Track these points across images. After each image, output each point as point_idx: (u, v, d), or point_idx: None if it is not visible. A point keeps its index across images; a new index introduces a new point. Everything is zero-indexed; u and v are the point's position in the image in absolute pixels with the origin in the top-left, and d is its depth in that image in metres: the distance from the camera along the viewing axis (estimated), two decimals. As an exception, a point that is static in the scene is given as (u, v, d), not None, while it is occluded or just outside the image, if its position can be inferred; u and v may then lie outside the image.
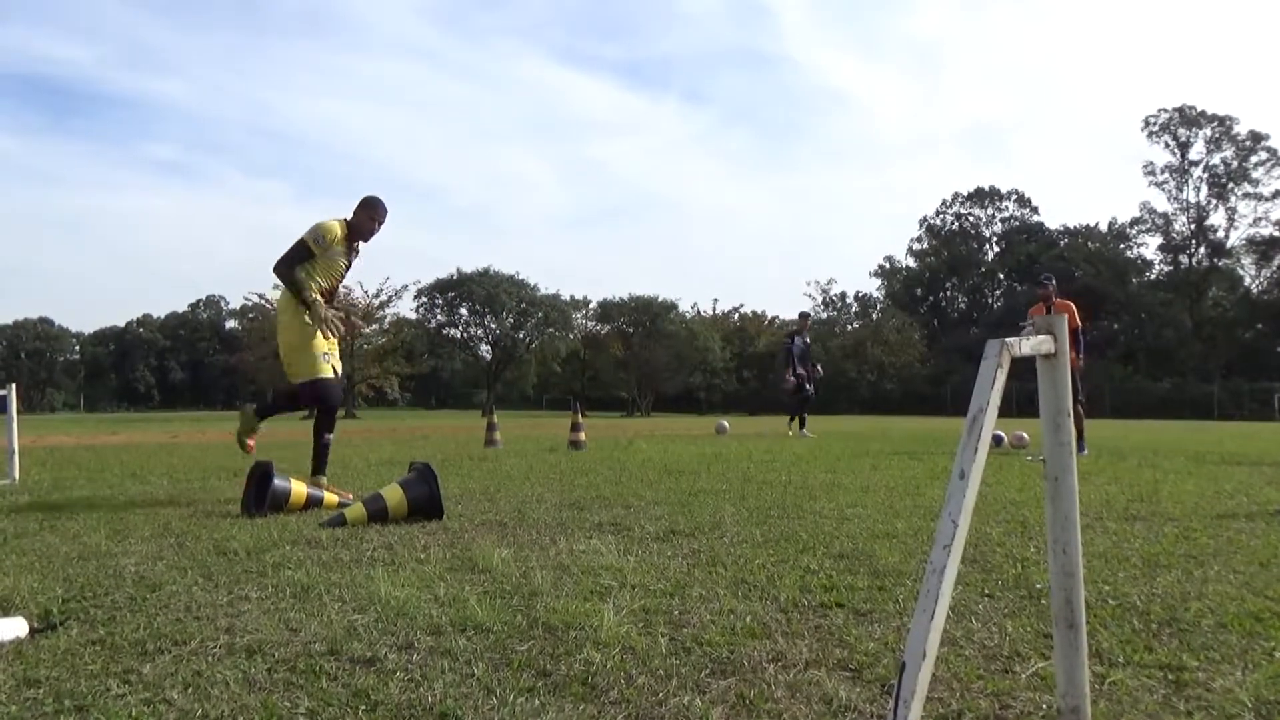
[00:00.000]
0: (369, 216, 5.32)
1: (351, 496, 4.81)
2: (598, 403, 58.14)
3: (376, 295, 48.37)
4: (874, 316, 65.26)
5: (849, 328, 63.68)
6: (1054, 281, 9.65)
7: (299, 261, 5.09)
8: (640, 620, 2.38)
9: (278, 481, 4.47)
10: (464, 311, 68.58)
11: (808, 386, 13.57)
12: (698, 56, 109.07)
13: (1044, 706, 1.77)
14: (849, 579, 2.89)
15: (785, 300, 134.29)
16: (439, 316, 70.27)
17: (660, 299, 58.89)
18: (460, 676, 1.94)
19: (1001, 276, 65.42)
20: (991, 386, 1.54)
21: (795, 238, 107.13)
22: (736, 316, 70.37)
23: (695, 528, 3.91)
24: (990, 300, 65.43)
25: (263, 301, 49.90)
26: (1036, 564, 3.13)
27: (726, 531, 3.83)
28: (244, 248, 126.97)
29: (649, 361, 56.90)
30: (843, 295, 69.10)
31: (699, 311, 67.07)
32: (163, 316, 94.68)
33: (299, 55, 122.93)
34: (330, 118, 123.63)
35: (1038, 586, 2.77)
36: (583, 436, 10.05)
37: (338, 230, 5.16)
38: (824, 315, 67.76)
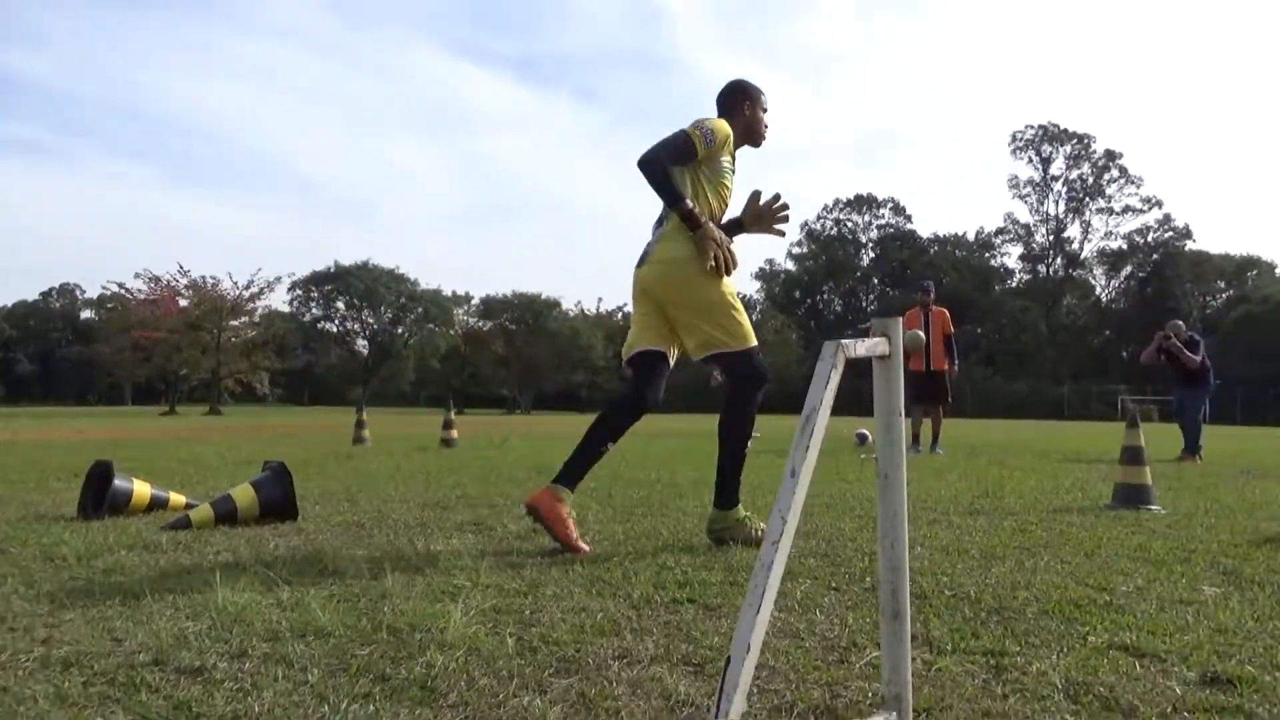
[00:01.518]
0: (760, 108, 3.77)
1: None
2: (478, 400, 57.47)
3: (247, 287, 46.38)
4: (752, 318, 66.81)
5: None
6: (934, 289, 10.10)
7: (680, 162, 3.48)
8: (490, 620, 2.35)
9: (118, 482, 4.21)
10: (340, 305, 66.53)
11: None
12: (592, 55, 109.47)
13: (871, 694, 1.83)
14: (703, 575, 2.93)
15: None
16: (314, 310, 67.89)
17: (544, 296, 58.68)
18: (293, 684, 1.87)
19: (876, 281, 68.04)
20: (825, 386, 1.58)
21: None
22: (620, 316, 70.76)
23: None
24: (865, 304, 67.94)
25: (123, 291, 47.12)
26: (883, 558, 3.25)
27: (589, 529, 3.83)
28: (103, 234, 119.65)
29: (531, 359, 56.57)
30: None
31: (583, 310, 67.17)
32: (10, 305, 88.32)
33: (173, 32, 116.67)
34: (205, 100, 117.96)
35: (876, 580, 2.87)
36: (454, 435, 9.89)
37: (729, 131, 3.59)
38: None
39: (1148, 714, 1.75)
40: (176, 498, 4.43)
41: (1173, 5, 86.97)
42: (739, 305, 3.59)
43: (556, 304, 59.53)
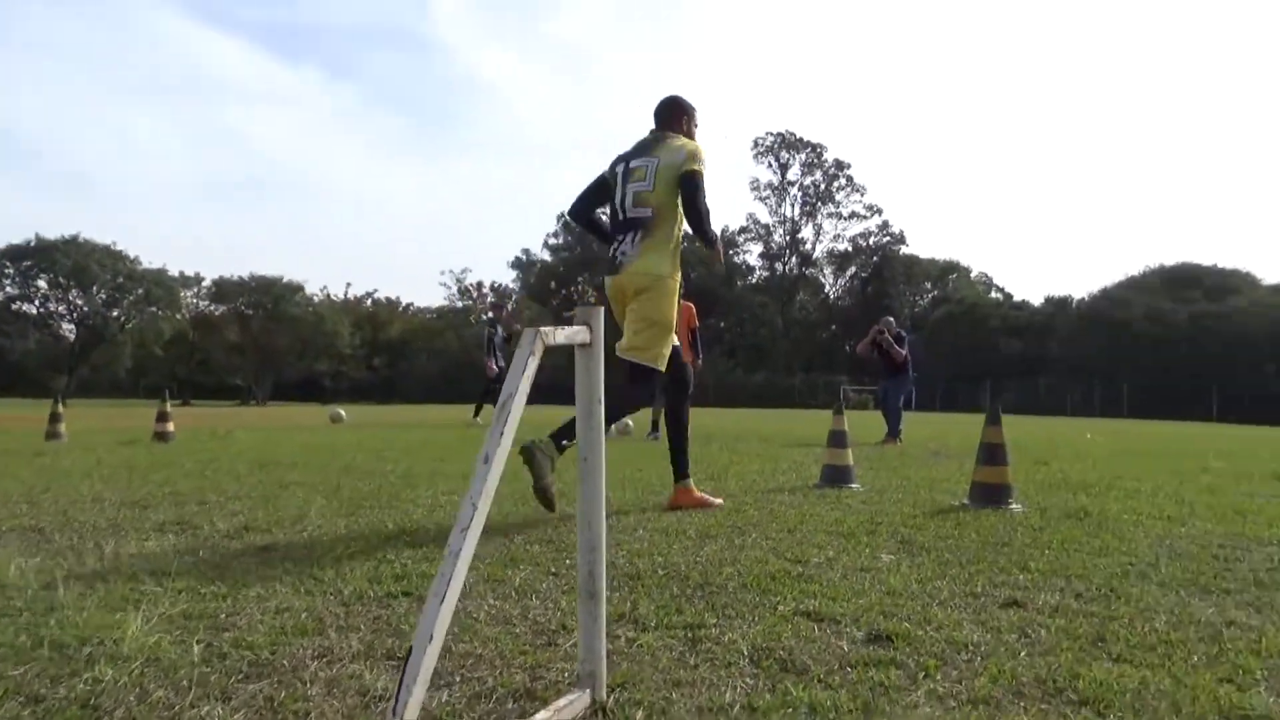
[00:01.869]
0: (694, 124, 4.51)
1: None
2: (209, 390, 53.17)
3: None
4: (509, 307, 66.49)
5: (483, 317, 64.32)
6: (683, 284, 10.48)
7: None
8: (177, 628, 2.17)
9: None
10: (43, 284, 58.99)
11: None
12: (346, 29, 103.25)
13: (571, 674, 1.88)
14: (424, 567, 2.87)
15: (421, 287, 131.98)
16: (8, 288, 59.74)
17: (285, 280, 55.21)
18: (-82, 714, 1.63)
19: (627, 274, 69.94)
20: (523, 374, 1.59)
21: (435, 225, 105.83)
22: (370, 302, 68.06)
23: (274, 522, 3.68)
24: (617, 296, 69.65)
25: None
26: (609, 542, 3.35)
27: (309, 525, 3.65)
28: None
29: (269, 346, 53.07)
30: (479, 285, 69.64)
31: (329, 295, 63.93)
32: None
33: None
34: None
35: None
36: (170, 427, 9.06)
37: None
38: (459, 304, 67.76)
39: (817, 671, 1.92)
40: None
41: (889, 33, 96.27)
42: (673, 334, 4.29)
43: (300, 288, 56.17)
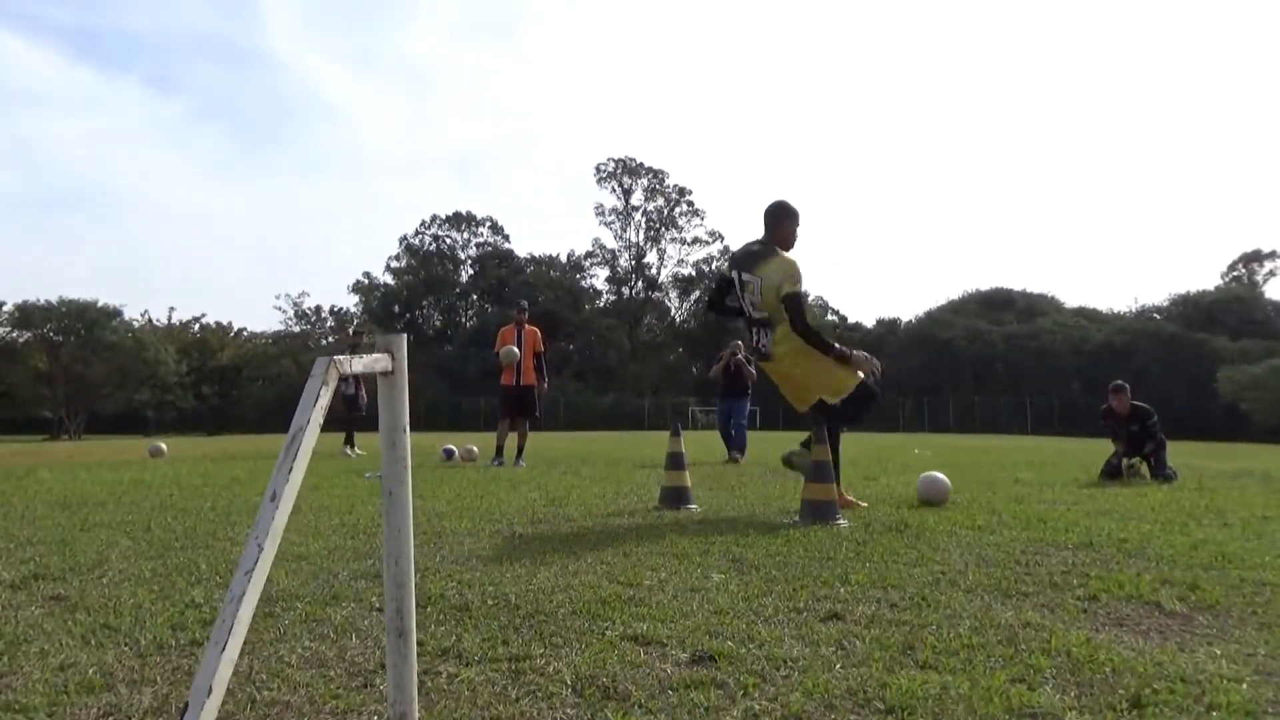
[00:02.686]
0: (797, 224, 5.30)
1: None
2: (12, 425, 48.66)
3: None
4: (350, 330, 64.24)
5: (324, 342, 61.87)
6: (528, 308, 10.41)
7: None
8: (-65, 693, 1.94)
9: None
10: None
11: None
12: (168, 38, 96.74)
13: (382, 717, 1.80)
14: (235, 610, 2.69)
15: (255, 312, 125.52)
16: None
17: (101, 304, 51.36)
18: None
19: (475, 297, 69.01)
20: (314, 405, 1.51)
21: (268, 247, 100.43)
22: (197, 327, 64.32)
23: (70, 569, 3.37)
24: (464, 319, 68.60)
25: None
26: (440, 573, 3.25)
27: (110, 569, 3.36)
28: None
29: (82, 376, 49.11)
30: (318, 309, 67.03)
31: (151, 320, 59.95)
32: None
33: None
34: None
35: (429, 595, 2.85)
36: (-39, 467, 8.19)
37: None
38: (296, 329, 65.07)
39: (639, 696, 1.92)
40: None
41: (726, 58, 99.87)
42: (836, 369, 5.20)
43: (117, 313, 52.31)
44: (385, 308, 66.86)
